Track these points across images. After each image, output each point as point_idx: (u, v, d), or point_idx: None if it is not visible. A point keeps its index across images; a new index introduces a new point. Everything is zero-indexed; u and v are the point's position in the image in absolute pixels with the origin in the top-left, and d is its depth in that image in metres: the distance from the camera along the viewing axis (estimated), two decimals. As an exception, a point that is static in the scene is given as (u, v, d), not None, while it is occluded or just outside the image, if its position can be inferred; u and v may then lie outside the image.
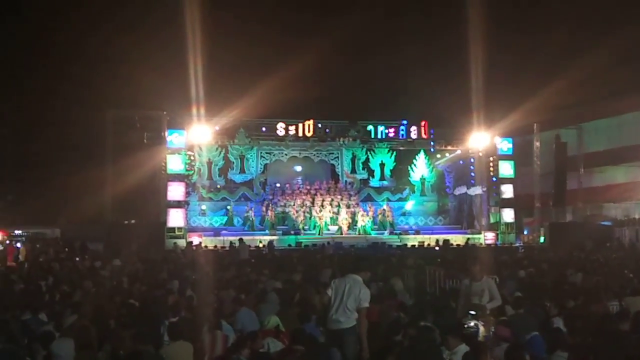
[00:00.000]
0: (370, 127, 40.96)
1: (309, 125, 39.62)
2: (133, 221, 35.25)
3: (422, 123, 40.74)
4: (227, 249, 30.90)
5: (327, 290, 9.57)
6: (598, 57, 37.60)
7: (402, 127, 40.80)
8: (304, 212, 39.72)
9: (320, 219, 39.33)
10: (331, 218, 39.70)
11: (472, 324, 9.75)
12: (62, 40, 44.73)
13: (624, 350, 7.96)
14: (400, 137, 41.22)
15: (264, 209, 39.96)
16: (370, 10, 46.40)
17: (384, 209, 41.09)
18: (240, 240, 30.61)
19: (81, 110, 40.12)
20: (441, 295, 14.43)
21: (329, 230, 39.01)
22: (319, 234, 38.29)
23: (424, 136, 41.00)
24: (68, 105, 41.93)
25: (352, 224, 39.60)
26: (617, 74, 40.97)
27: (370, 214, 40.37)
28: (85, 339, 9.16)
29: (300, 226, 38.97)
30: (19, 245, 31.72)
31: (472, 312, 10.28)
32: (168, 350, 9.15)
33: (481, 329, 9.76)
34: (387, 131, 40.99)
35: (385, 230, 39.99)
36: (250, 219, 39.31)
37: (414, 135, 40.83)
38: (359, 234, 38.88)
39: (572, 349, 8.21)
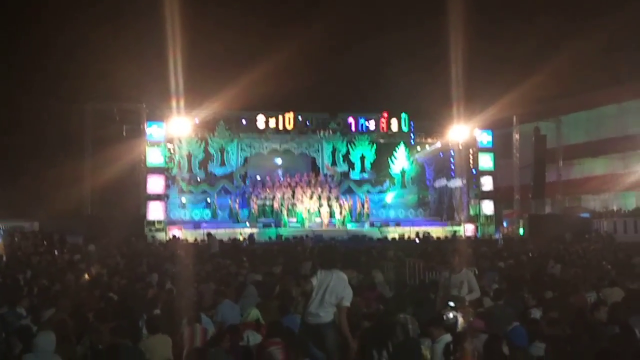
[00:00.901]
0: (350, 120, 41.03)
1: (289, 118, 39.69)
2: (112, 214, 35.05)
3: (403, 115, 40.88)
4: (205, 242, 30.79)
5: (312, 279, 9.31)
6: (578, 50, 37.90)
7: (382, 120, 40.90)
8: (286, 205, 39.63)
9: (300, 211, 39.30)
10: (310, 211, 39.62)
11: (450, 315, 9.80)
12: (38, 31, 44.36)
13: (600, 341, 8.02)
14: (380, 130, 41.31)
15: (252, 201, 39.81)
16: (350, 2, 46.36)
17: (362, 202, 41.12)
18: (209, 234, 30.70)
19: (59, 102, 39.79)
20: (421, 287, 14.45)
21: (308, 223, 38.96)
22: (300, 227, 38.22)
23: (404, 128, 41.14)
24: (45, 97, 41.61)
25: (332, 217, 39.54)
26: (596, 67, 41.36)
27: (347, 205, 40.23)
28: (63, 333, 9.10)
29: (282, 219, 38.88)
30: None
31: (451, 304, 10.33)
32: (147, 344, 9.11)
33: (460, 320, 9.81)
34: (367, 123, 41.09)
35: (363, 222, 39.98)
36: (235, 211, 39.26)
37: (394, 127, 40.96)
38: (339, 226, 38.87)
39: (549, 340, 8.26)
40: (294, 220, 39.07)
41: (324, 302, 9.01)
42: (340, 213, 39.52)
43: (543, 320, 9.51)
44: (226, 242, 30.29)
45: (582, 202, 47.66)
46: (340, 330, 8.98)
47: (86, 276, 17.60)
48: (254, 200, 39.72)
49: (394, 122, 40.96)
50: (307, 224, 38.69)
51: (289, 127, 39.94)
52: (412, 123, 41.35)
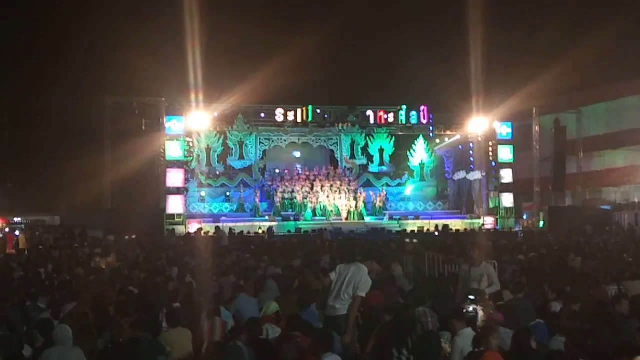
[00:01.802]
0: (369, 113, 40.98)
1: (307, 111, 39.66)
2: (132, 208, 35.25)
3: (422, 108, 40.77)
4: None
5: (331, 273, 9.49)
6: (598, 41, 37.53)
7: (401, 112, 40.81)
8: (304, 198, 39.69)
9: (319, 204, 39.36)
10: (329, 204, 39.66)
11: (470, 308, 9.79)
12: (58, 25, 44.63)
13: (621, 334, 7.97)
14: (400, 122, 41.23)
15: (274, 194, 39.95)
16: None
17: (379, 194, 41.13)
18: (217, 228, 30.95)
19: (79, 96, 40.13)
20: (440, 280, 14.42)
21: (327, 215, 38.99)
22: (320, 220, 38.24)
23: (423, 121, 41.04)
24: (66, 91, 41.94)
25: (351, 210, 39.53)
26: (616, 58, 41.00)
27: (362, 198, 40.30)
28: (84, 326, 9.18)
29: (301, 212, 38.93)
30: (17, 233, 31.70)
31: (471, 297, 10.31)
32: (167, 337, 9.18)
33: (480, 313, 9.79)
34: (386, 116, 41.01)
35: (381, 216, 39.97)
36: (255, 204, 39.46)
37: (413, 120, 40.88)
38: (357, 219, 38.86)
39: (569, 333, 8.22)
40: (313, 213, 39.11)
41: (341, 293, 9.11)
42: (356, 207, 39.50)
43: (563, 314, 9.46)
44: (236, 235, 30.39)
45: (603, 194, 47.24)
46: (347, 317, 9.04)
47: (103, 265, 17.80)
48: (276, 193, 39.84)
49: (413, 114, 40.84)
50: (326, 217, 38.73)
51: (308, 120, 39.97)
52: (431, 115, 41.18)
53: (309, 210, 39.18)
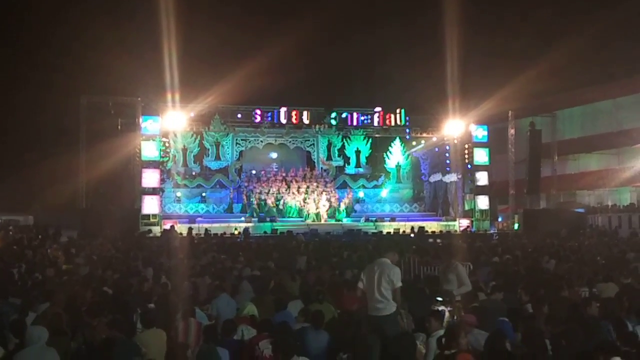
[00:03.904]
0: (345, 114, 41.08)
1: (284, 112, 39.70)
2: (107, 208, 35.01)
3: (398, 110, 40.91)
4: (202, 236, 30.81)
5: (359, 283, 9.62)
6: (573, 46, 37.87)
7: (377, 114, 40.97)
8: (281, 199, 39.71)
9: (295, 205, 39.39)
10: (305, 205, 39.72)
11: (440, 309, 9.87)
12: (33, 24, 44.26)
13: (593, 336, 8.04)
14: (376, 124, 41.39)
15: (250, 195, 39.93)
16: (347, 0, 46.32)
17: (347, 195, 41.30)
18: (172, 227, 31.49)
19: (54, 96, 39.78)
20: (415, 282, 14.46)
21: (303, 217, 39.03)
22: (296, 221, 38.25)
23: (399, 123, 41.20)
24: (40, 90, 41.56)
25: (328, 211, 39.59)
26: (591, 63, 41.37)
27: (334, 199, 40.47)
28: (57, 327, 9.10)
29: (277, 213, 38.93)
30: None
31: (439, 298, 10.41)
32: (141, 338, 9.12)
33: (446, 314, 9.87)
34: (362, 118, 41.13)
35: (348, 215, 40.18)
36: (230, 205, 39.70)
37: (389, 122, 41.04)
38: (334, 221, 38.92)
39: (550, 337, 8.26)
40: (289, 214, 39.15)
41: (381, 290, 9.33)
42: (331, 208, 39.61)
43: (538, 318, 9.52)
44: (212, 236, 30.33)
45: (577, 197, 47.68)
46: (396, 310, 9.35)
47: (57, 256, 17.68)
48: (253, 194, 39.83)
49: (389, 116, 41.01)
50: (302, 218, 38.77)
51: (284, 121, 40.00)
52: (407, 118, 41.37)
53: (281, 211, 39.16)
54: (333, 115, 41.02)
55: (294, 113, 40.05)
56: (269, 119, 39.76)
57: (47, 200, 37.57)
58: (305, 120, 40.58)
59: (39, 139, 41.77)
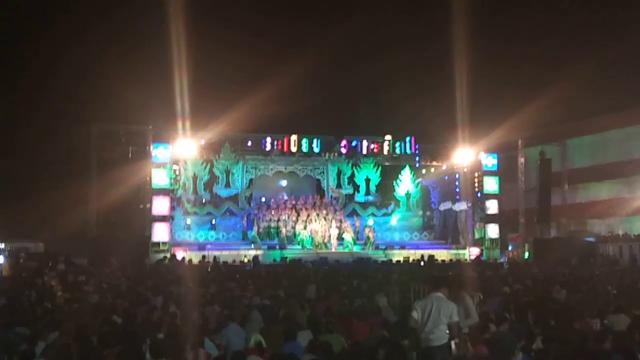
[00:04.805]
0: (355, 142, 41.18)
1: (294, 140, 39.83)
2: (117, 236, 35.07)
3: (408, 138, 41.01)
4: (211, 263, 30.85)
5: (412, 312, 9.75)
6: (582, 74, 37.95)
7: (387, 143, 41.06)
8: (291, 226, 39.71)
9: (305, 233, 39.33)
10: (314, 233, 39.70)
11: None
12: (45, 52, 44.67)
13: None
14: (385, 153, 41.47)
15: (257, 223, 39.99)
16: (354, 25, 46.50)
17: (369, 227, 41.03)
18: (173, 255, 31.64)
19: (65, 124, 39.96)
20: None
21: (313, 245, 38.95)
22: (305, 249, 38.20)
23: (409, 151, 41.28)
24: (52, 118, 41.76)
25: (338, 239, 39.50)
26: (601, 91, 41.36)
27: (348, 227, 40.38)
28: (66, 357, 9.10)
29: (287, 241, 38.89)
30: (1, 260, 31.39)
31: (447, 332, 10.40)
32: (150, 369, 9.11)
33: (453, 346, 9.87)
34: (372, 146, 41.22)
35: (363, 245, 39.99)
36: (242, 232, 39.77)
37: (399, 150, 41.13)
38: (344, 249, 38.80)
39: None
40: (298, 242, 39.08)
41: (436, 323, 9.53)
42: (347, 236, 39.48)
43: (549, 353, 9.46)
44: (221, 264, 30.36)
45: (588, 226, 47.49)
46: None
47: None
48: (262, 222, 39.89)
49: (399, 145, 41.13)
50: (311, 247, 38.69)
51: (294, 149, 40.12)
52: (417, 146, 41.46)
53: (291, 239, 39.14)
54: (342, 143, 41.14)
55: (304, 141, 40.22)
56: (279, 147, 39.90)
57: (58, 227, 37.67)
58: (315, 149, 40.73)
59: (50, 166, 41.90)
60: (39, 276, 23.54)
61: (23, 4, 44.70)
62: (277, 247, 37.95)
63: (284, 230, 39.37)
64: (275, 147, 39.89)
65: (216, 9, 45.67)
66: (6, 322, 12.13)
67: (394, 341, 9.74)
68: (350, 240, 39.41)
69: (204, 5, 40.61)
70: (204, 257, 31.67)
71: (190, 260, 31.99)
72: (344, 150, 41.53)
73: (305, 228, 39.50)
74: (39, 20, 44.51)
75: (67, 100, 40.76)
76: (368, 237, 39.96)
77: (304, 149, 40.51)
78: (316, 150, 40.94)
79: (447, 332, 9.54)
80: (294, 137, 39.93)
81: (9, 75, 45.42)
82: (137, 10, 43.44)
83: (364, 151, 41.60)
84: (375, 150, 41.53)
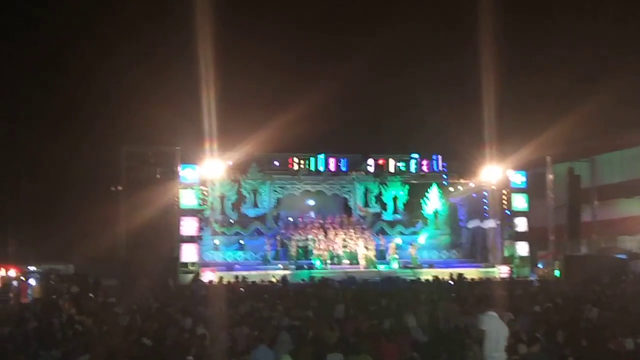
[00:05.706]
0: (382, 161, 41.18)
1: (321, 159, 39.92)
2: (146, 257, 35.21)
3: (435, 156, 40.94)
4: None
5: (481, 325, 10.38)
6: (611, 89, 37.61)
7: (414, 161, 41.01)
8: (318, 246, 39.70)
9: (333, 252, 39.32)
10: (345, 252, 39.76)
11: None
12: (73, 74, 45.16)
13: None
14: (413, 171, 41.38)
15: (293, 243, 40.04)
16: (378, 40, 46.57)
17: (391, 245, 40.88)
18: (196, 276, 32.23)
19: (94, 145, 40.42)
20: (455, 332, 14.30)
21: (341, 264, 38.91)
22: (333, 268, 38.11)
23: (436, 169, 41.20)
24: (81, 140, 42.25)
25: (365, 258, 39.38)
26: (630, 106, 40.97)
27: (372, 245, 40.23)
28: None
29: (315, 260, 38.84)
30: (32, 282, 31.62)
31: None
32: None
33: None
34: (399, 164, 41.18)
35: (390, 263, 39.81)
36: (268, 253, 39.87)
37: (426, 168, 41.05)
38: (370, 268, 38.66)
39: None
40: (326, 261, 39.00)
41: (499, 346, 10.12)
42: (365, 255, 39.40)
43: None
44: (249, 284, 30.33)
45: (618, 242, 46.88)
46: None
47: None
48: (290, 241, 39.94)
49: (426, 162, 41.08)
50: (339, 265, 38.64)
51: (321, 168, 40.19)
52: (444, 164, 41.38)
53: (319, 258, 39.08)
54: (370, 162, 41.16)
55: (331, 160, 40.30)
56: (307, 166, 40.00)
57: (88, 248, 37.92)
58: (342, 167, 40.78)
59: (79, 187, 42.34)
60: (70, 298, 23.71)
61: (53, 27, 45.28)
62: (305, 266, 37.91)
63: (315, 251, 39.37)
64: (302, 166, 39.98)
65: (242, 31, 45.97)
66: (37, 344, 12.22)
67: None
68: (374, 259, 39.30)
69: (231, 26, 40.99)
70: (236, 277, 31.65)
71: (219, 280, 32.01)
72: (371, 169, 41.52)
73: (332, 247, 39.54)
74: (68, 43, 45.04)
75: (96, 122, 41.19)
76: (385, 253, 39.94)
77: (331, 167, 40.56)
78: (343, 169, 41.01)
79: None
80: (321, 157, 40.04)
81: (38, 97, 46.12)
82: (164, 32, 44.02)
83: (391, 169, 41.54)
84: (402, 168, 41.47)
